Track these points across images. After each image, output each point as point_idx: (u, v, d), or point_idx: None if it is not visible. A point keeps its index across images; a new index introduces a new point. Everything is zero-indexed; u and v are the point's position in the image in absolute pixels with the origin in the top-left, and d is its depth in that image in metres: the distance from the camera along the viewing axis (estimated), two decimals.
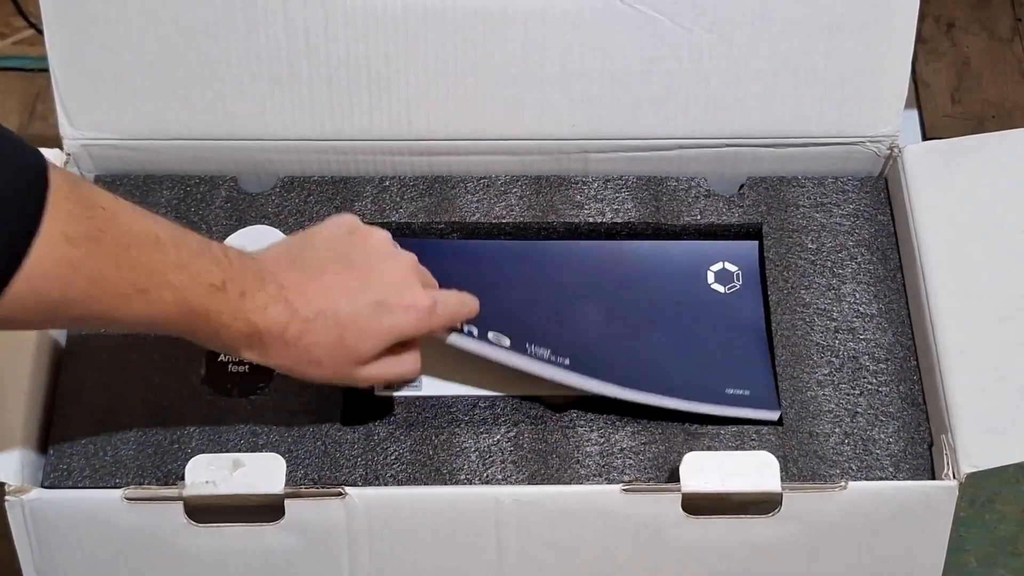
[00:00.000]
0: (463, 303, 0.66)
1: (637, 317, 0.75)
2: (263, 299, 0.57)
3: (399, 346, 0.62)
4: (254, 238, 0.74)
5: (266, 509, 0.63)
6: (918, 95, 1.25)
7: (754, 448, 0.69)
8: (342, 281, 0.60)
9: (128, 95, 0.74)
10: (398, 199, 0.77)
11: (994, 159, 0.74)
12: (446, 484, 0.67)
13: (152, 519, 0.62)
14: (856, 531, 0.64)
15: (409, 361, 0.64)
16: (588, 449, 0.69)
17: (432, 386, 0.73)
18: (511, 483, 0.68)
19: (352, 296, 0.60)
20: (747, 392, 0.71)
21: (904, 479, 0.68)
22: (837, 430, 0.69)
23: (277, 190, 0.77)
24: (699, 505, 0.63)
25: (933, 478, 0.67)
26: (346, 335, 0.60)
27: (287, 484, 0.63)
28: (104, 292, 0.52)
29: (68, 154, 0.75)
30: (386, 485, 0.67)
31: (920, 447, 0.69)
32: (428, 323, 0.63)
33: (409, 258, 0.64)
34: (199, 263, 0.55)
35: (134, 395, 0.69)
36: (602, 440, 0.69)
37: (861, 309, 0.73)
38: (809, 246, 0.75)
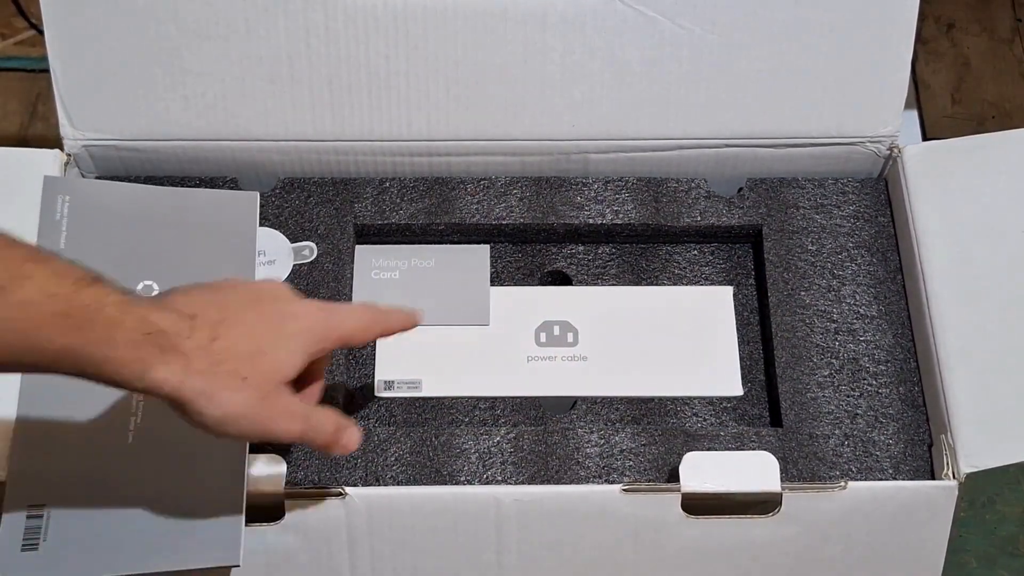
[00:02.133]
0: (381, 314, 0.61)
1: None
2: (149, 301, 0.52)
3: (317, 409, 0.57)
4: None
5: (266, 509, 0.63)
6: (918, 95, 1.25)
7: (754, 449, 0.69)
8: (232, 294, 0.55)
9: (129, 96, 0.74)
10: (398, 200, 0.77)
11: (994, 159, 0.74)
12: (446, 485, 0.67)
13: None
14: (856, 531, 0.64)
15: (327, 414, 0.58)
16: (588, 450, 0.69)
17: (432, 387, 0.73)
18: (511, 484, 0.68)
19: (251, 304, 0.55)
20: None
21: (904, 480, 0.68)
22: (837, 431, 0.69)
23: (277, 191, 0.77)
24: (699, 505, 0.63)
25: (933, 479, 0.67)
26: (261, 340, 0.54)
27: (287, 484, 0.63)
28: None
29: (69, 155, 0.75)
30: (386, 485, 0.67)
31: (920, 448, 0.69)
32: (337, 321, 0.58)
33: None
34: (57, 260, 0.49)
35: None
36: (602, 441, 0.69)
37: (861, 311, 0.73)
38: (809, 247, 0.75)
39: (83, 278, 0.49)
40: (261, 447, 0.68)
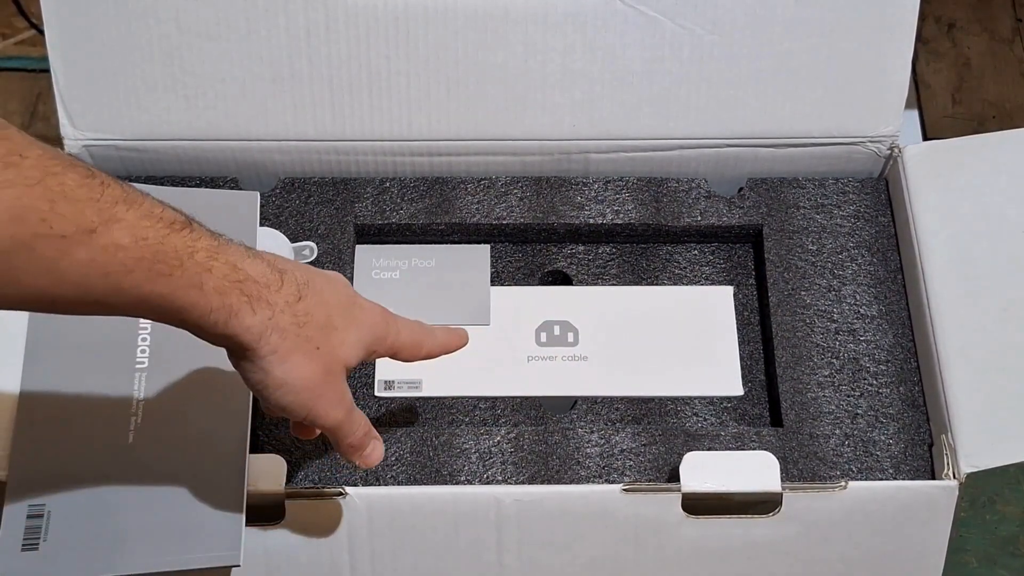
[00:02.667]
0: (430, 333, 0.61)
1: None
2: (241, 248, 0.50)
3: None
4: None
5: (266, 509, 0.63)
6: (918, 95, 1.25)
7: (754, 449, 0.69)
8: (311, 268, 0.55)
9: (129, 96, 0.74)
10: (398, 200, 0.77)
11: (994, 159, 0.74)
12: (446, 485, 0.67)
13: None
14: (856, 531, 0.64)
15: (365, 417, 0.58)
16: (588, 450, 0.69)
17: (432, 386, 0.73)
18: (511, 484, 0.68)
19: (327, 282, 0.55)
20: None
21: (904, 480, 0.68)
22: (837, 431, 0.69)
23: (277, 191, 0.77)
24: (699, 505, 0.63)
25: (933, 479, 0.67)
26: (334, 316, 0.53)
27: (288, 484, 0.63)
28: (34, 234, 0.42)
29: (69, 155, 0.74)
30: (386, 485, 0.67)
31: (920, 448, 0.69)
32: (396, 329, 0.58)
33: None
34: (149, 201, 0.46)
35: None
36: (602, 441, 0.69)
37: (862, 310, 0.73)
38: (809, 247, 0.75)
39: (175, 222, 0.47)
40: (261, 447, 0.68)
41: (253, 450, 0.64)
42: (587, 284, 0.77)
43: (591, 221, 0.76)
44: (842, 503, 0.63)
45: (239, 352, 0.50)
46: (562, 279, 0.78)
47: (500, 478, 0.68)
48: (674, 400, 0.73)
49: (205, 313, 0.48)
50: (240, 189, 0.77)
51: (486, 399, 0.73)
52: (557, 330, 0.75)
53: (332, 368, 0.53)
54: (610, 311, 0.76)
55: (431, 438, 0.69)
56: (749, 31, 0.73)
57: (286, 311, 0.50)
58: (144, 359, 0.66)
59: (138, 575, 0.60)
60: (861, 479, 0.68)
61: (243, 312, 0.48)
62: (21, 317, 0.68)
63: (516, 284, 0.77)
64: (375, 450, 0.58)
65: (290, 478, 0.64)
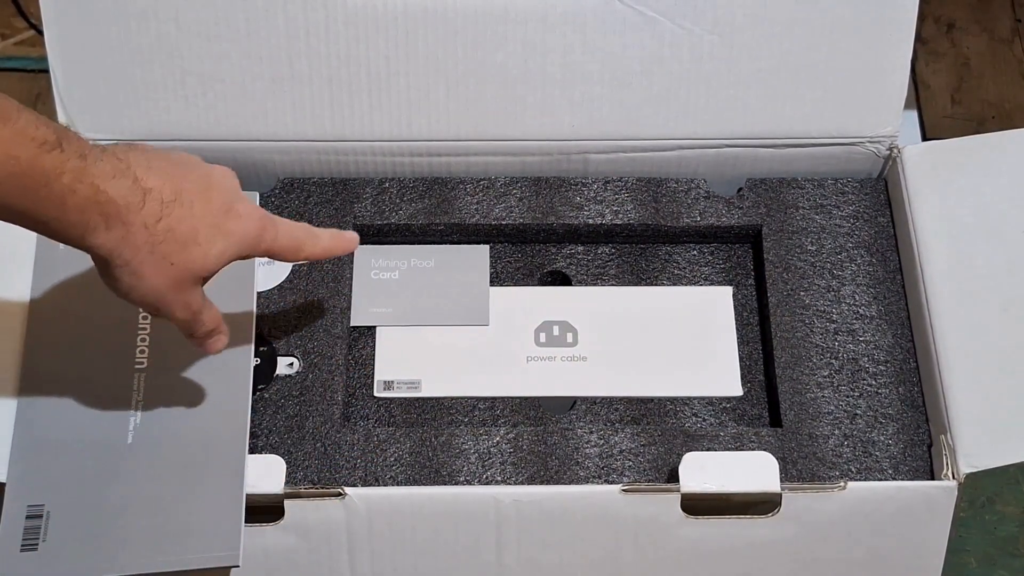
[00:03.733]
0: (313, 236, 0.63)
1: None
2: (108, 167, 0.53)
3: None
4: None
5: (266, 509, 0.63)
6: (918, 95, 1.25)
7: (753, 449, 0.69)
8: (190, 175, 0.57)
9: (128, 95, 0.74)
10: (398, 200, 0.77)
11: (994, 159, 0.74)
12: (446, 485, 0.67)
13: None
14: (856, 531, 0.64)
15: (214, 314, 0.61)
16: (587, 451, 0.69)
17: (432, 387, 0.73)
18: (511, 484, 0.68)
19: (202, 191, 0.57)
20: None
21: (904, 480, 0.68)
22: (837, 432, 0.69)
23: (277, 191, 0.77)
24: (699, 505, 0.63)
25: (933, 479, 0.67)
26: (199, 231, 0.56)
27: (287, 484, 0.63)
28: None
29: None
30: (386, 486, 0.67)
31: (919, 448, 0.69)
32: (273, 234, 0.60)
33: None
34: (24, 117, 0.50)
35: None
36: (601, 442, 0.69)
37: (861, 311, 0.73)
38: (809, 248, 0.75)
39: (46, 142, 0.50)
40: (260, 448, 0.68)
41: (253, 450, 0.64)
42: (586, 284, 0.77)
43: (590, 221, 0.76)
44: (841, 503, 0.63)
45: (96, 261, 0.55)
46: (561, 279, 0.78)
47: (499, 478, 0.68)
48: (673, 400, 0.73)
49: (64, 228, 0.52)
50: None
51: (485, 399, 0.73)
52: (556, 330, 0.75)
53: (182, 279, 0.56)
54: (609, 311, 0.76)
55: (430, 438, 0.69)
56: (749, 31, 0.73)
57: (141, 232, 0.54)
58: (144, 359, 0.66)
59: (138, 575, 0.60)
60: (860, 479, 0.68)
61: (98, 230, 0.53)
62: (21, 317, 0.68)
63: (515, 284, 0.77)
64: (217, 342, 0.62)
65: (289, 478, 0.64)
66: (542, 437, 0.69)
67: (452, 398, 0.73)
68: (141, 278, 0.55)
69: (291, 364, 0.71)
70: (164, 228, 0.54)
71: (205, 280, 0.58)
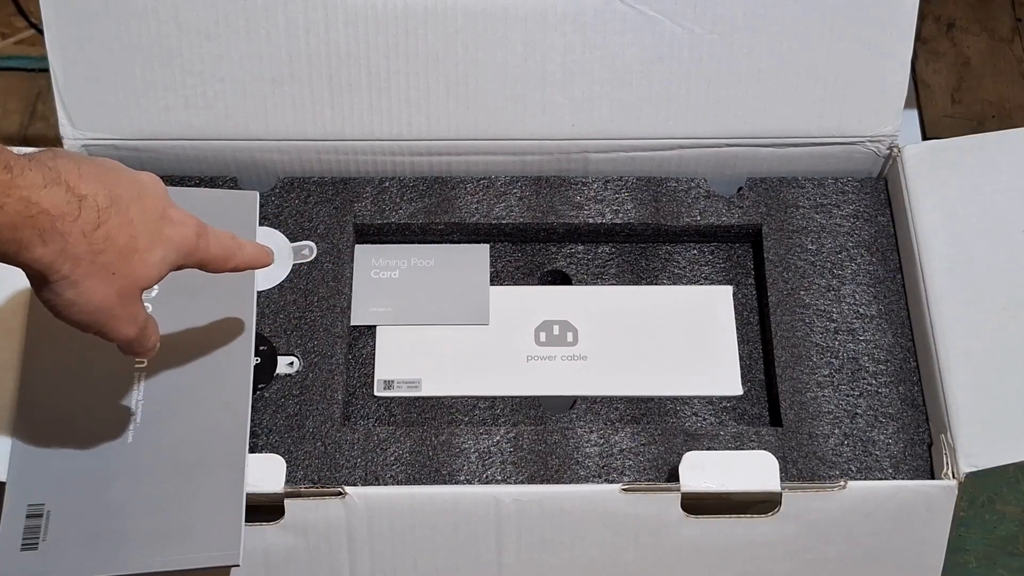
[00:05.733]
0: (240, 246, 0.60)
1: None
2: (38, 176, 0.49)
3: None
4: None
5: (266, 509, 0.63)
6: (918, 95, 1.25)
7: (754, 449, 0.69)
8: (121, 180, 0.54)
9: (128, 95, 0.74)
10: (398, 199, 0.77)
11: (994, 159, 0.74)
12: (446, 484, 0.67)
13: None
14: (856, 531, 0.64)
15: (156, 325, 0.58)
16: (587, 450, 0.69)
17: (432, 386, 0.73)
18: (511, 483, 0.68)
19: (136, 197, 0.54)
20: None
21: (904, 480, 0.68)
22: (837, 431, 0.69)
23: (277, 190, 0.77)
24: (699, 505, 0.63)
25: (933, 479, 0.67)
26: (139, 238, 0.53)
27: (287, 484, 0.63)
28: None
29: None
30: (386, 485, 0.67)
31: (919, 448, 0.69)
32: (206, 242, 0.57)
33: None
34: None
35: None
36: (601, 441, 0.69)
37: (861, 310, 0.73)
38: (809, 247, 0.75)
39: None
40: (260, 448, 0.68)
41: (253, 449, 0.64)
42: (586, 284, 0.77)
43: (590, 221, 0.76)
44: (841, 503, 0.63)
45: (32, 277, 0.52)
46: (561, 279, 0.78)
47: (499, 478, 0.68)
48: (673, 400, 0.73)
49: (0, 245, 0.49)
50: (240, 188, 0.77)
51: (485, 399, 0.73)
52: (556, 330, 0.75)
53: (127, 290, 0.54)
54: (609, 311, 0.76)
55: (430, 438, 0.69)
56: (749, 31, 0.73)
57: (80, 241, 0.51)
58: (144, 359, 0.66)
59: (138, 575, 0.60)
60: (860, 479, 0.68)
61: (33, 245, 0.49)
62: (21, 318, 0.68)
63: (515, 284, 0.77)
64: (153, 352, 0.59)
65: (289, 478, 0.64)
66: (542, 436, 0.69)
67: (452, 397, 0.73)
68: (83, 292, 0.52)
69: (291, 363, 0.71)
70: (103, 236, 0.51)
71: (143, 291, 0.55)
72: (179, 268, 0.57)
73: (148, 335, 0.57)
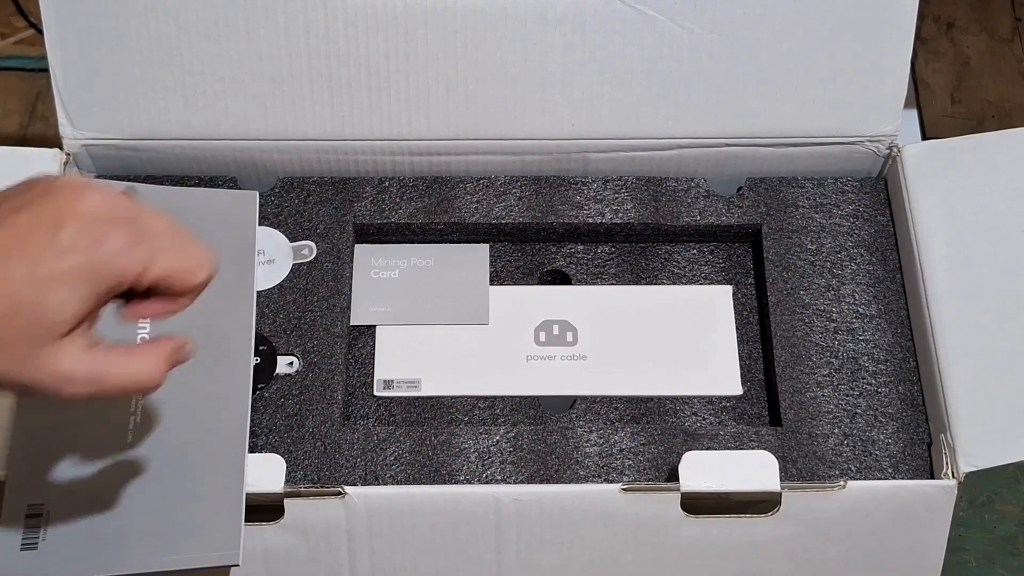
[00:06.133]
0: (184, 247, 0.50)
1: None
2: None
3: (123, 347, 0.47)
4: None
5: (265, 509, 0.63)
6: (918, 95, 1.25)
7: (753, 448, 0.69)
8: (11, 223, 0.44)
9: (128, 95, 0.74)
10: (397, 199, 0.77)
11: (994, 159, 0.74)
12: (445, 484, 0.67)
13: None
14: (855, 531, 0.64)
15: (141, 359, 0.47)
16: (587, 450, 0.69)
17: (432, 386, 0.73)
18: (510, 483, 0.68)
19: (21, 237, 0.44)
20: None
21: (903, 480, 0.68)
22: (836, 431, 0.69)
23: (277, 190, 0.77)
24: (698, 505, 0.63)
25: (932, 478, 0.67)
26: (22, 292, 0.43)
27: (287, 483, 0.63)
28: None
29: (68, 154, 0.75)
30: (385, 485, 0.67)
31: (919, 448, 0.69)
32: (144, 251, 0.47)
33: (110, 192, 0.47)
34: None
35: None
36: (601, 441, 0.69)
37: (860, 310, 0.73)
38: (808, 247, 0.75)
39: None
40: (260, 447, 0.68)
41: (252, 449, 0.64)
42: (586, 283, 0.77)
43: (590, 220, 0.76)
44: (841, 502, 0.63)
45: None
46: (561, 278, 0.78)
47: (499, 478, 0.68)
48: (673, 399, 0.73)
49: None
50: (239, 188, 0.77)
51: (485, 398, 0.73)
52: (556, 329, 0.75)
53: (28, 354, 0.44)
54: (609, 310, 0.76)
55: (430, 438, 0.69)
56: (749, 31, 0.73)
57: None
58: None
59: (137, 575, 0.60)
60: (860, 478, 0.68)
61: None
62: None
63: (515, 283, 0.77)
64: (168, 371, 0.50)
65: (289, 477, 0.64)
66: (542, 436, 0.69)
67: (452, 397, 0.73)
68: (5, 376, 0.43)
69: (291, 363, 0.71)
70: None
71: (75, 331, 0.45)
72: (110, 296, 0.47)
73: (108, 380, 0.47)
